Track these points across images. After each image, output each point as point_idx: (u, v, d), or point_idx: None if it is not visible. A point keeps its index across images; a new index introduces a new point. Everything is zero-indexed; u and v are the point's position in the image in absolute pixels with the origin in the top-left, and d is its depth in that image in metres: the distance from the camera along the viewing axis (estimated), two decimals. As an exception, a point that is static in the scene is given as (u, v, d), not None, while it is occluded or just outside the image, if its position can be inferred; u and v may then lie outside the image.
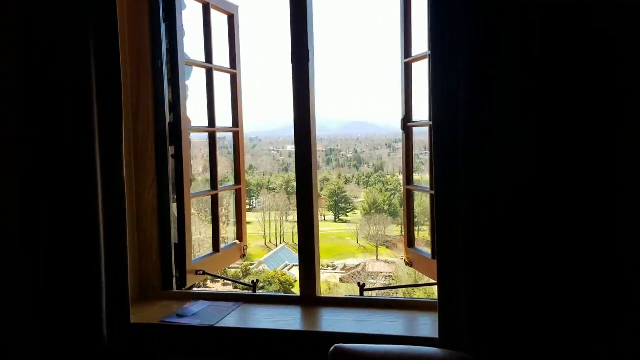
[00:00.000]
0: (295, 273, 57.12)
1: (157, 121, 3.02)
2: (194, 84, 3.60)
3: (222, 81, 3.73)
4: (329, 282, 50.94)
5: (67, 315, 2.57)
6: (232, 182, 3.86)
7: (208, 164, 3.64)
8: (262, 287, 45.20)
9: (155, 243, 3.05)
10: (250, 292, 3.13)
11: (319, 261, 2.97)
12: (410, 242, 3.48)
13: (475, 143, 2.28)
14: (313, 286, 2.95)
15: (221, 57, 3.72)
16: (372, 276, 48.43)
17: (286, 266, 62.07)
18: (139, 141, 3.02)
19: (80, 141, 2.46)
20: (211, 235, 3.59)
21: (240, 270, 50.61)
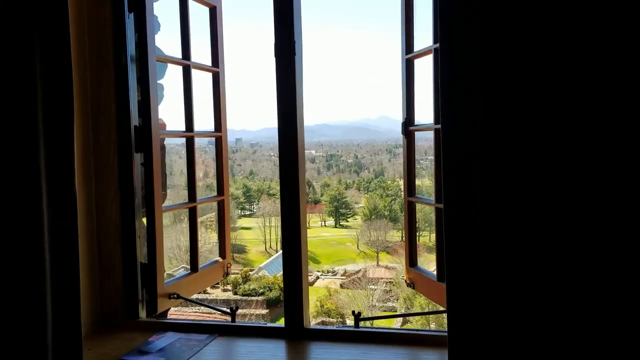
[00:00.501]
0: (295, 279, 56.32)
1: (121, 125, 2.64)
2: (170, 83, 3.23)
3: (203, 81, 3.36)
4: (329, 287, 50.70)
5: (4, 355, 2.17)
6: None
7: (186, 172, 3.27)
8: (262, 293, 44.95)
9: (118, 264, 2.67)
10: (228, 320, 2.74)
11: (307, 285, 2.58)
12: (412, 260, 3.09)
13: (496, 150, 1.91)
14: (300, 315, 2.56)
15: (203, 54, 3.35)
16: (372, 282, 48.19)
17: (286, 272, 61.33)
18: (100, 148, 2.64)
19: (20, 151, 2.07)
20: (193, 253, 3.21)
21: (239, 276, 50.37)
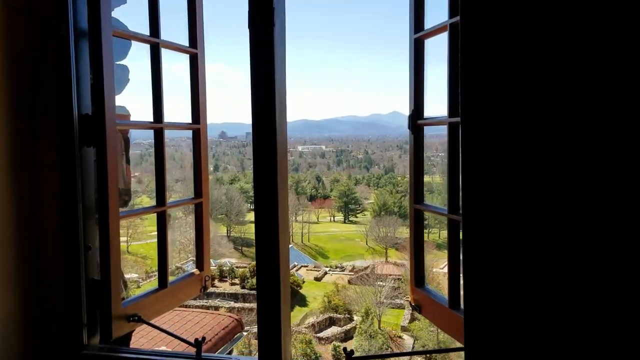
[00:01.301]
0: (302, 274, 56.74)
1: (64, 114, 2.17)
2: (138, 67, 2.77)
3: (179, 63, 2.89)
4: (337, 283, 50.44)
5: None
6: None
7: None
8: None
9: (57, 282, 2.21)
10: (192, 354, 2.26)
11: (288, 315, 2.10)
12: (418, 279, 2.61)
13: (533, 148, 1.42)
14: (278, 354, 2.07)
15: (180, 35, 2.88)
16: (381, 278, 47.85)
17: (294, 267, 61.90)
18: (36, 143, 2.17)
19: None
20: (178, 264, 2.74)
21: (247, 270, 50.23)
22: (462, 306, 2.31)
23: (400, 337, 39.57)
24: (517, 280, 1.59)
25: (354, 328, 38.60)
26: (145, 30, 2.57)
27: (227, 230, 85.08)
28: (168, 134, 2.69)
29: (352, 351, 2.12)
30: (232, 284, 48.50)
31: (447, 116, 2.30)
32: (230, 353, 12.76)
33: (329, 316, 41.75)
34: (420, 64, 2.56)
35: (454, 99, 2.28)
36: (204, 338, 2.25)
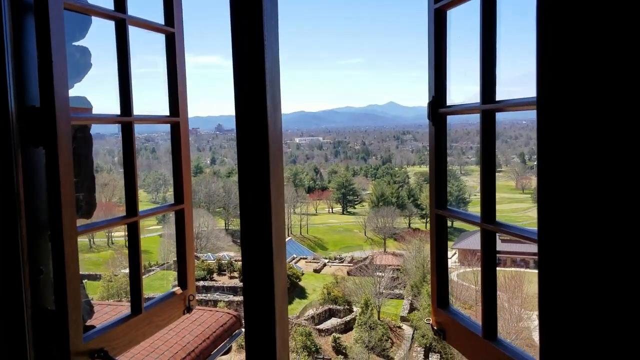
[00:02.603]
0: (301, 266, 56.60)
1: (-2, 105, 1.72)
2: (103, 50, 2.32)
3: (155, 46, 2.44)
4: (336, 275, 50.33)
5: None
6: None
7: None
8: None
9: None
10: None
11: (285, 324, 1.66)
12: (441, 299, 2.18)
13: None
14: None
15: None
16: (379, 269, 47.76)
17: (293, 259, 61.82)
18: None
19: None
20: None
21: (246, 263, 49.94)
22: (499, 336, 1.89)
23: (399, 327, 39.43)
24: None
25: (354, 319, 38.38)
26: (109, 4, 2.12)
27: (225, 224, 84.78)
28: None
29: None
30: (231, 277, 48.20)
31: (480, 102, 1.86)
32: (229, 350, 12.42)
33: (328, 308, 41.50)
34: (441, 41, 2.12)
35: (489, 82, 1.84)
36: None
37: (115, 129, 2.52)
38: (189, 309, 2.55)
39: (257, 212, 1.50)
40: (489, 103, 1.85)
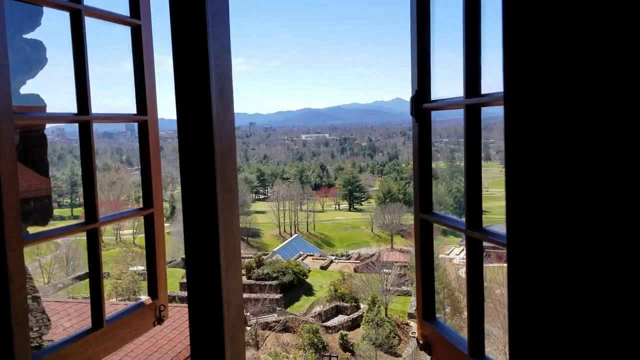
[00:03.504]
0: (308, 263, 56.68)
1: None
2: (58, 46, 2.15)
3: (119, 39, 2.26)
4: (342, 272, 50.33)
5: None
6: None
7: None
8: (276, 278, 44.46)
9: None
10: None
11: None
12: (427, 311, 2.00)
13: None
14: None
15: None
16: (386, 266, 47.67)
17: (300, 256, 61.89)
18: None
19: None
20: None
21: (253, 260, 50.18)
22: (486, 355, 1.71)
23: (407, 324, 39.23)
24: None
25: (361, 316, 38.22)
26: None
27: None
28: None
29: None
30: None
31: (464, 96, 1.68)
32: (233, 349, 12.26)
33: (335, 305, 41.36)
34: (424, 30, 1.93)
35: (473, 74, 1.66)
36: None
37: (122, 127, 2.35)
38: (160, 320, 2.39)
39: (203, 227, 1.33)
40: (473, 97, 1.67)
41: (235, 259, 1.40)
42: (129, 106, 2.35)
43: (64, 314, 9.27)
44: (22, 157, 1.96)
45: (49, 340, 2.00)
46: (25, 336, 1.76)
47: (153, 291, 2.37)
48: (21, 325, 1.75)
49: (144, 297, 2.42)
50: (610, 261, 0.96)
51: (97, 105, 2.11)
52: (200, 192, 1.32)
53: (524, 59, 0.96)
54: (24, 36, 2.07)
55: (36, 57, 2.11)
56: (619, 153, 0.95)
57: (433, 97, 2.04)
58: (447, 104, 1.88)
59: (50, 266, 53.22)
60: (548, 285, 1.02)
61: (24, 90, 2.02)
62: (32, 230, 2.04)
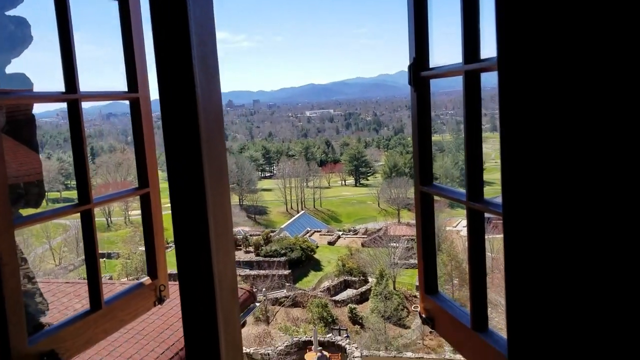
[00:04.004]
0: (316, 239, 56.98)
1: None
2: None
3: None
4: (350, 247, 50.62)
5: None
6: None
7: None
8: (284, 254, 44.75)
9: None
10: None
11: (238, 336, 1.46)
12: (429, 285, 1.97)
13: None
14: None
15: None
16: (394, 240, 47.83)
17: (307, 232, 62.21)
18: None
19: None
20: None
21: (261, 238, 50.42)
22: (489, 329, 1.67)
23: (415, 296, 39.49)
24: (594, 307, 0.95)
25: (369, 290, 38.49)
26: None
27: (240, 199, 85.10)
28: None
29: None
30: (247, 252, 48.46)
31: (463, 63, 1.61)
32: (243, 325, 12.41)
33: (343, 279, 41.63)
34: (421, -6, 1.85)
35: (472, 38, 1.59)
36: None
37: (126, 108, 2.28)
38: (160, 300, 2.36)
39: (191, 207, 1.28)
40: (472, 62, 1.59)
41: (227, 239, 1.35)
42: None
43: (74, 295, 9.35)
44: (10, 139, 1.92)
45: (48, 324, 1.99)
46: (21, 321, 1.74)
47: (152, 271, 2.34)
48: (15, 310, 1.72)
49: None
50: (604, 227, 0.91)
51: (95, 88, 2.06)
52: (186, 169, 1.27)
53: (517, 20, 0.90)
54: (6, 13, 2.00)
55: (20, 35, 2.04)
56: (615, 120, 0.90)
57: (433, 65, 1.97)
58: (445, 71, 1.81)
59: (60, 248, 53.77)
60: (543, 253, 0.97)
61: (9, 70, 1.97)
62: (24, 213, 2.01)
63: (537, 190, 0.91)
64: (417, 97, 1.95)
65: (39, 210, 2.07)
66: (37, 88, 2.20)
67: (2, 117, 1.80)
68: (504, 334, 1.65)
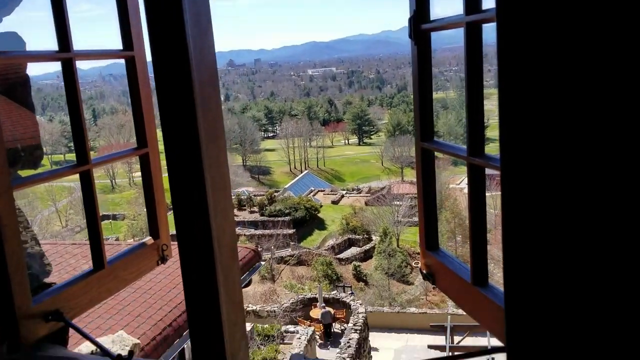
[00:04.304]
0: (320, 198, 57.18)
1: None
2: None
3: None
4: (354, 205, 50.91)
5: None
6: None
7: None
8: (288, 214, 45.04)
9: None
10: None
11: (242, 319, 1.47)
12: (430, 240, 1.97)
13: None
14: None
15: None
16: (397, 198, 48.03)
17: (311, 192, 62.43)
18: None
19: None
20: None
21: (265, 198, 50.64)
22: (489, 283, 1.68)
23: (418, 253, 39.81)
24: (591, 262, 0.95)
25: (373, 248, 38.95)
26: None
27: (243, 160, 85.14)
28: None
29: None
30: (251, 212, 48.90)
31: (464, 14, 1.56)
32: (249, 283, 12.61)
33: (347, 237, 42.07)
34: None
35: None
36: (131, 353, 1.65)
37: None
38: (163, 260, 2.38)
39: (187, 165, 1.26)
40: (473, 13, 1.54)
41: (225, 198, 1.34)
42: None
43: (81, 257, 9.49)
44: (4, 100, 1.89)
45: (51, 284, 2.01)
46: (24, 281, 1.75)
47: (154, 231, 2.35)
48: (18, 270, 1.73)
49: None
50: (604, 182, 0.90)
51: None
52: (180, 126, 1.25)
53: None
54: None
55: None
56: (617, 74, 0.86)
57: (434, 18, 1.92)
58: (446, 23, 1.76)
59: (66, 211, 54.30)
60: (540, 208, 0.96)
61: (0, 29, 1.92)
62: (23, 175, 2.00)
63: (535, 145, 0.88)
64: (418, 51, 1.90)
65: (38, 171, 2.06)
66: (30, 48, 2.16)
67: (-5, 77, 1.77)
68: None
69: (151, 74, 1.60)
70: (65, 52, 1.92)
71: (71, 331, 2.12)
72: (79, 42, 2.03)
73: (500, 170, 0.92)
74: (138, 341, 3.71)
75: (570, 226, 0.92)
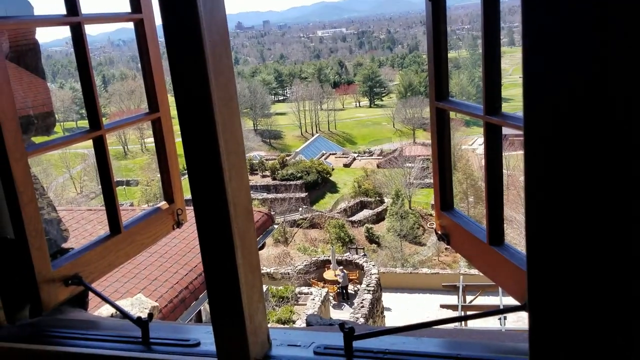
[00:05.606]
0: (331, 161, 57.15)
1: None
2: None
3: None
4: (365, 168, 50.85)
5: None
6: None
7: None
8: (300, 177, 45.15)
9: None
10: (137, 339, 1.67)
11: (260, 294, 1.47)
12: (444, 201, 1.96)
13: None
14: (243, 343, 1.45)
15: None
16: (409, 160, 47.90)
17: (322, 155, 62.33)
18: None
19: None
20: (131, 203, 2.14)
21: (277, 162, 50.73)
22: (506, 242, 1.67)
23: (430, 215, 40.02)
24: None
25: (385, 210, 39.12)
26: None
27: (254, 124, 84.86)
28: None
29: (352, 329, 1.50)
30: (263, 176, 49.12)
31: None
32: (263, 246, 12.76)
33: (359, 200, 42.23)
34: None
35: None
36: (151, 315, 1.68)
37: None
38: (178, 224, 2.40)
39: (199, 128, 1.24)
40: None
41: (239, 160, 1.33)
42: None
43: (96, 222, 9.64)
44: (15, 66, 1.88)
45: (68, 249, 2.04)
46: (42, 246, 1.78)
47: (169, 196, 2.36)
48: (36, 235, 1.76)
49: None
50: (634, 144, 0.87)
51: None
52: (193, 89, 1.23)
53: None
54: None
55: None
56: None
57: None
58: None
59: (81, 177, 54.89)
60: (564, 170, 0.94)
61: (7, -8, 1.89)
62: (37, 141, 2.01)
63: (559, 102, 0.86)
64: (432, 7, 1.85)
65: (51, 137, 2.06)
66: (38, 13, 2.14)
67: (5, 42, 1.75)
68: (519, 248, 1.65)
69: (161, 38, 1.58)
70: (73, 16, 1.89)
71: (90, 295, 2.17)
72: (86, 7, 1.99)
73: (523, 129, 0.89)
74: (156, 304, 3.80)
75: (592, 184, 0.90)
